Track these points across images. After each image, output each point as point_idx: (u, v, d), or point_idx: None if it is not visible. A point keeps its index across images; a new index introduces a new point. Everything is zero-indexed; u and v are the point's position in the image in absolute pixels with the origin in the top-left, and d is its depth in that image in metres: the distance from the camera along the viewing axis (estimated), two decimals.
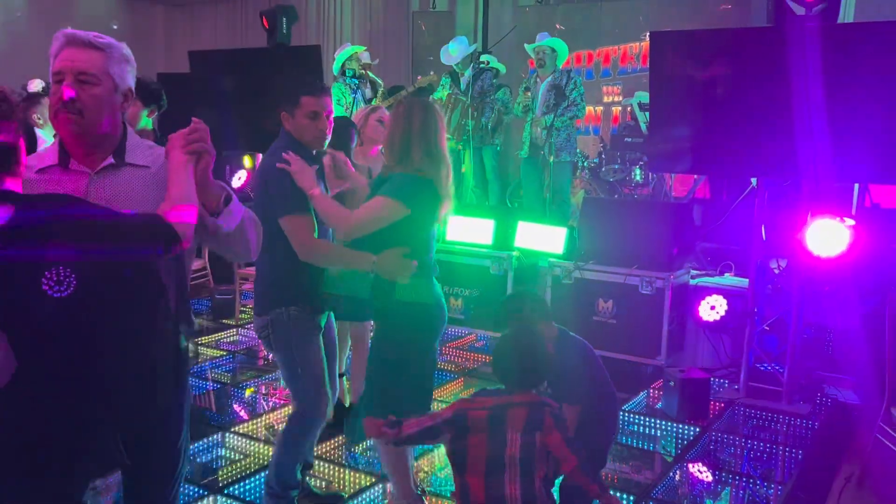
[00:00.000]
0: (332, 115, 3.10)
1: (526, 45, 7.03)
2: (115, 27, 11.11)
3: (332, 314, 3.34)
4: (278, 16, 6.46)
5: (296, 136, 3.04)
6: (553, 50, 6.72)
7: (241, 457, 3.97)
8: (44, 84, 7.35)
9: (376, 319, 3.11)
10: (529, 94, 6.83)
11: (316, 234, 3.00)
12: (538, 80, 6.82)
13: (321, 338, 3.14)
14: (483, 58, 7.67)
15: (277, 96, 3.09)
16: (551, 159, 6.63)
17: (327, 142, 3.11)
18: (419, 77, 10.06)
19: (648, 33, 5.27)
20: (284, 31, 6.50)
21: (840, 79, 4.34)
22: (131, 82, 2.03)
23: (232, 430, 4.23)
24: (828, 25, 4.44)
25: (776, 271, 4.98)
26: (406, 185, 2.87)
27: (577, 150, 7.58)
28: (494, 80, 7.48)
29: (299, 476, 3.22)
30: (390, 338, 2.99)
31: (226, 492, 3.55)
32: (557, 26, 8.25)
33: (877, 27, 4.60)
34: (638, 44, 8.67)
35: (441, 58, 7.37)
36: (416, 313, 2.94)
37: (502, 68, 7.98)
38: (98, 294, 1.70)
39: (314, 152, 3.09)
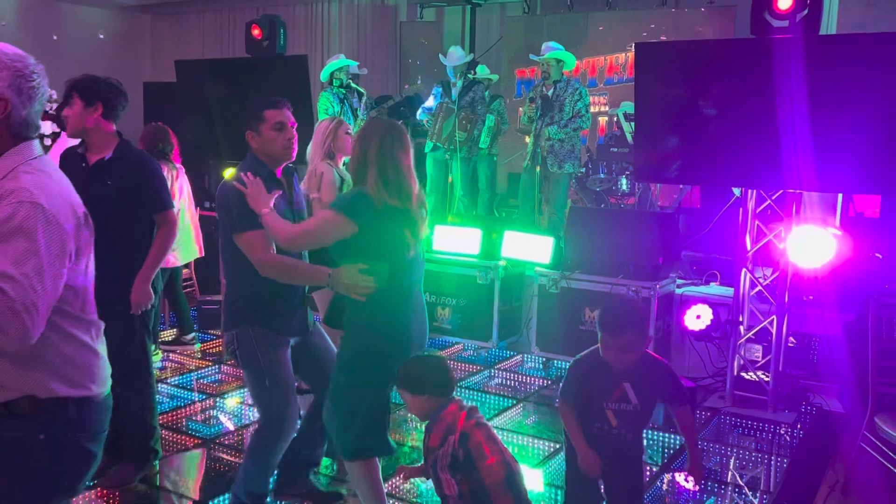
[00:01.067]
0: (296, 127, 3.12)
1: (532, 56, 7.03)
2: (101, 36, 11.06)
3: (317, 323, 3.31)
4: (276, 27, 6.46)
5: (264, 154, 3.06)
6: (558, 61, 6.70)
7: (227, 469, 3.94)
8: None
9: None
10: (534, 105, 6.79)
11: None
12: (543, 90, 6.80)
13: (290, 351, 3.14)
14: (478, 69, 7.72)
15: (241, 121, 3.08)
16: (556, 170, 6.61)
17: (295, 153, 3.12)
18: (406, 86, 10.12)
19: (634, 44, 5.30)
20: (282, 43, 6.51)
21: (823, 90, 4.39)
22: (5, 90, 1.84)
23: (217, 441, 4.21)
24: (810, 37, 4.49)
25: (761, 280, 5.01)
26: (353, 200, 2.83)
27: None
28: (486, 92, 7.50)
29: (270, 487, 3.22)
30: (345, 352, 2.95)
31: None
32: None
33: (858, 39, 4.66)
34: (624, 54, 8.73)
35: (441, 60, 7.38)
36: (371, 336, 2.87)
37: (495, 77, 8.00)
38: None
39: (286, 166, 3.11)
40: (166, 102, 8.14)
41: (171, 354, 5.74)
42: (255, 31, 6.44)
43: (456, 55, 7.29)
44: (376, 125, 2.96)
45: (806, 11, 4.42)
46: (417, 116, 7.63)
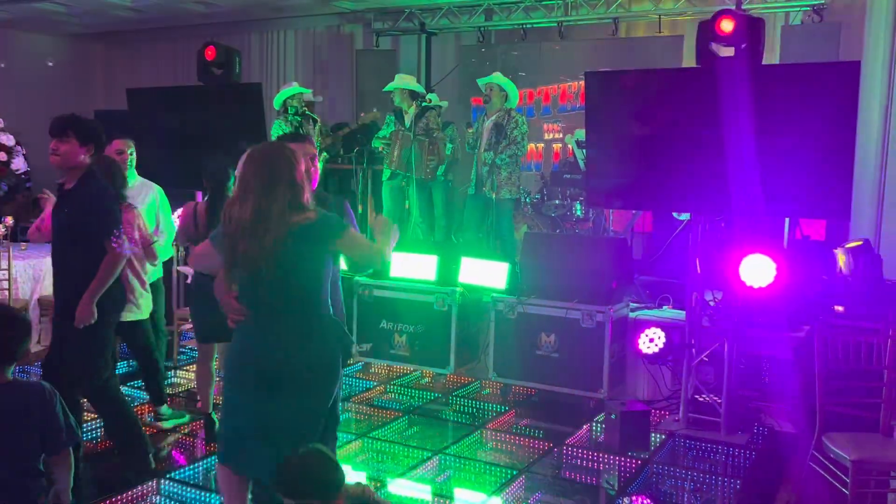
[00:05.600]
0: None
1: (478, 80, 7.14)
2: (50, 64, 10.90)
3: None
4: (232, 55, 6.45)
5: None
6: (501, 88, 6.82)
7: None
8: None
9: None
10: (472, 130, 6.92)
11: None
12: (484, 118, 6.92)
13: None
14: (429, 96, 7.78)
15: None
16: (493, 196, 6.70)
17: None
18: (362, 114, 10.13)
19: (585, 73, 5.41)
20: (237, 71, 6.50)
21: (767, 118, 4.52)
22: None
23: (168, 476, 4.11)
24: (754, 66, 4.62)
25: (712, 303, 5.10)
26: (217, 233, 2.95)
27: (521, 188, 7.67)
28: (439, 119, 7.56)
29: None
30: None
31: None
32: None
33: (799, 68, 4.82)
34: (577, 82, 8.87)
35: (396, 82, 7.43)
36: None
37: (444, 104, 8.07)
38: None
39: None
40: (118, 131, 8.03)
41: None
42: (209, 54, 6.38)
43: (406, 75, 7.44)
44: (250, 151, 2.87)
45: (746, 43, 4.56)
46: (371, 144, 7.67)
